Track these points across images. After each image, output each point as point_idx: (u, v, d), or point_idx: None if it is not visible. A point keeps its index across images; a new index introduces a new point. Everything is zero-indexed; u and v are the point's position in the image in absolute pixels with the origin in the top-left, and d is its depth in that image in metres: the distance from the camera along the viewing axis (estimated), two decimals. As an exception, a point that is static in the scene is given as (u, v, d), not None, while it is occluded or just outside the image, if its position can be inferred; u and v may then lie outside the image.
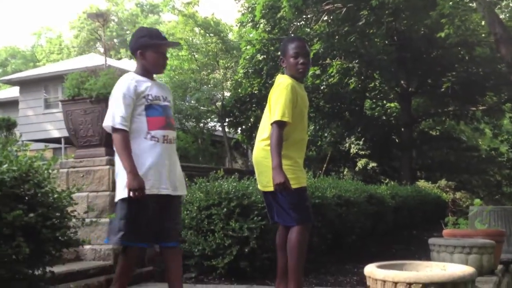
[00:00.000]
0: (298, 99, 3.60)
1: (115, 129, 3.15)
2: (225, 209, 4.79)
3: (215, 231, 4.77)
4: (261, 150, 3.64)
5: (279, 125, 3.49)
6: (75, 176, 4.97)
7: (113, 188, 4.81)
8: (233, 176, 5.37)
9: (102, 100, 4.96)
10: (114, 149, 3.23)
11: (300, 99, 3.64)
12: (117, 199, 3.24)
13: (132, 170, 3.06)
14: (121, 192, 3.17)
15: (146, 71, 3.36)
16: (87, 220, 3.22)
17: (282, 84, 3.61)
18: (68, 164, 5.03)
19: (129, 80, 3.26)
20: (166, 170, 3.26)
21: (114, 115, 3.16)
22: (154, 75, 3.50)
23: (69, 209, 2.84)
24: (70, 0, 68.59)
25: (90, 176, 4.90)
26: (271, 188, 3.51)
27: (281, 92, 3.55)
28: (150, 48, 3.31)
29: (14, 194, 2.45)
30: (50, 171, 2.69)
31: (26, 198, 2.51)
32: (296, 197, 3.55)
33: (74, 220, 2.80)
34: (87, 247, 4.68)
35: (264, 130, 3.64)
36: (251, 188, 5.05)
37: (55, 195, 2.71)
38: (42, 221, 2.53)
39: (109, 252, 4.65)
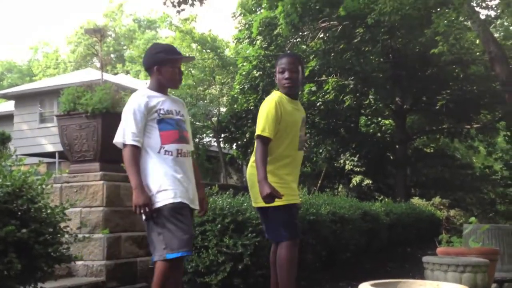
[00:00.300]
0: (282, 115, 3.63)
1: (125, 145, 3.15)
2: (219, 225, 4.77)
3: (208, 247, 4.74)
4: (250, 167, 3.73)
5: (261, 140, 3.58)
6: (68, 191, 4.95)
7: (106, 204, 4.81)
8: (227, 192, 5.36)
9: (98, 115, 4.99)
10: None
11: (287, 115, 3.66)
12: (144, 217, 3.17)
13: (138, 187, 3.05)
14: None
15: (161, 87, 3.37)
16: (80, 236, 3.21)
17: (267, 100, 3.71)
18: (62, 179, 5.02)
19: (140, 96, 3.27)
20: (187, 184, 3.26)
21: (125, 131, 3.17)
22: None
23: (62, 224, 2.83)
24: (68, 15, 68.90)
25: (84, 191, 4.89)
26: (261, 204, 3.56)
27: (264, 108, 3.65)
28: (167, 63, 3.33)
29: (7, 210, 2.45)
30: (43, 186, 2.68)
31: (19, 213, 2.50)
32: (282, 214, 3.59)
33: (66, 236, 2.79)
34: (79, 263, 4.65)
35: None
36: (245, 204, 5.05)
37: (48, 211, 2.70)
38: (35, 236, 2.52)
39: (102, 268, 4.63)
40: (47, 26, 68.63)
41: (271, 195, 3.40)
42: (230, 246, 4.68)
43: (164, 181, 3.14)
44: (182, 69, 3.53)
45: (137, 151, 3.15)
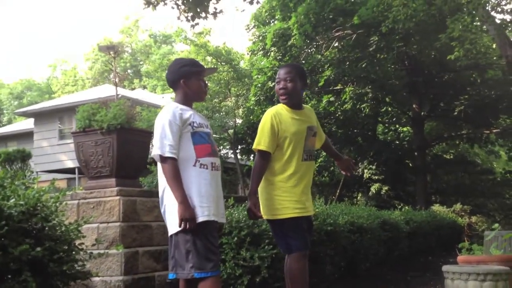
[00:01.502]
0: (280, 127, 3.62)
1: (164, 158, 3.07)
2: (235, 238, 4.75)
3: (226, 260, 4.73)
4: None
5: (259, 153, 3.63)
6: (85, 207, 4.98)
7: (123, 219, 4.82)
8: (243, 204, 5.35)
9: (113, 131, 5.03)
10: (164, 178, 3.13)
11: (287, 126, 3.64)
12: (173, 231, 3.11)
13: (184, 201, 3.00)
14: (177, 224, 3.05)
15: (188, 100, 3.35)
16: (95, 253, 3.22)
17: (265, 113, 3.74)
18: (78, 196, 5.05)
19: (174, 108, 3.22)
20: (218, 198, 3.25)
21: (162, 143, 3.09)
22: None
23: (77, 242, 2.84)
24: (85, 32, 69.95)
25: (101, 207, 4.91)
26: (267, 216, 3.66)
27: (261, 121, 3.70)
28: (192, 76, 3.32)
29: (22, 229, 2.46)
30: (57, 204, 2.70)
31: (34, 232, 2.52)
32: (287, 227, 3.58)
33: (81, 253, 2.80)
34: (97, 278, 4.66)
35: None
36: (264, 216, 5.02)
37: (63, 228, 2.71)
38: (49, 255, 2.53)
39: (120, 283, 4.63)
40: (65, 44, 69.76)
41: (250, 211, 3.54)
42: (247, 259, 4.66)
43: (200, 197, 3.10)
44: None
45: (177, 164, 3.08)
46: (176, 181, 3.04)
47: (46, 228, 2.59)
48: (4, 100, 45.47)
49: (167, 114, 3.17)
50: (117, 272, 4.70)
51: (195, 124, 3.22)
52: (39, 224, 2.55)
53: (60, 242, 2.65)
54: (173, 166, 3.06)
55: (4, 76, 69.44)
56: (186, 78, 3.31)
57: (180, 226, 3.00)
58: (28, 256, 2.39)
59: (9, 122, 40.77)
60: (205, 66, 3.60)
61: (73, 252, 2.72)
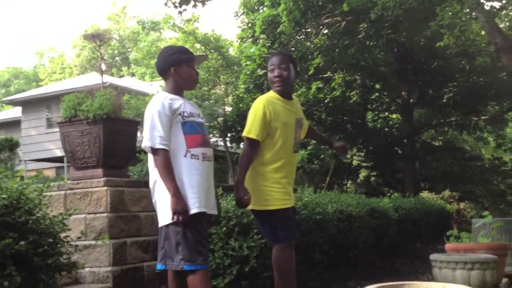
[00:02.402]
0: (272, 116, 3.57)
1: (155, 150, 3.02)
2: (224, 228, 4.74)
3: (214, 250, 4.72)
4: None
5: (249, 141, 3.56)
6: (72, 198, 4.94)
7: (110, 209, 4.79)
8: (232, 194, 5.32)
9: (99, 121, 4.97)
10: (155, 170, 3.08)
11: (277, 116, 3.59)
12: (164, 223, 3.07)
13: (176, 193, 2.96)
14: (169, 215, 3.02)
15: (179, 88, 3.28)
16: (82, 244, 3.19)
17: (256, 100, 3.68)
18: (65, 186, 5.01)
19: (163, 98, 3.15)
20: (209, 189, 3.19)
21: (152, 135, 3.03)
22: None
23: (63, 234, 2.80)
24: (72, 19, 69.15)
25: (88, 197, 4.87)
26: (253, 207, 3.62)
27: (252, 109, 3.63)
28: (183, 63, 3.25)
29: (5, 222, 2.43)
30: (41, 197, 2.66)
31: (17, 225, 2.48)
32: (276, 217, 3.56)
33: (66, 245, 2.76)
34: (86, 269, 4.64)
35: None
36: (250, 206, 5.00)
37: (47, 221, 2.67)
38: (34, 248, 2.50)
39: (108, 274, 4.61)
40: (52, 31, 68.95)
41: (240, 200, 3.49)
42: (236, 248, 4.66)
43: (191, 187, 3.06)
44: None
45: (168, 155, 3.02)
46: (168, 172, 2.99)
47: (30, 222, 2.55)
48: (-10, 88, 44.99)
49: (156, 105, 3.11)
50: (105, 263, 4.68)
51: (185, 114, 3.15)
52: (22, 218, 2.52)
53: (45, 235, 2.61)
54: (165, 158, 3.01)
55: (-10, 64, 68.64)
56: (177, 66, 3.24)
57: (172, 218, 2.96)
58: (11, 250, 2.36)
59: (-4, 110, 40.37)
60: (195, 54, 3.51)
61: (58, 245, 2.69)
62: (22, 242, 2.40)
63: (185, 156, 3.09)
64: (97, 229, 4.73)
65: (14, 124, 23.04)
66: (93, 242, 4.20)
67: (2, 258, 2.34)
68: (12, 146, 14.18)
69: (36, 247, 2.51)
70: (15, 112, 24.62)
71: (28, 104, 21.70)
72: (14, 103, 23.73)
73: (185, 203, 2.98)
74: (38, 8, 69.71)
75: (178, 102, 3.18)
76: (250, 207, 3.61)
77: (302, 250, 5.32)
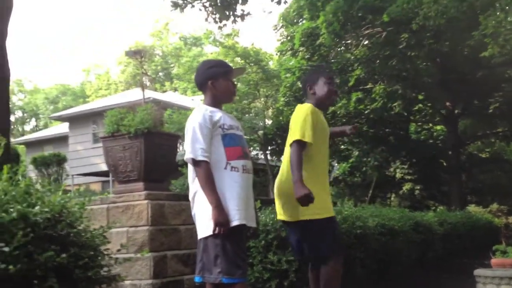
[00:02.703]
0: (318, 124, 3.62)
1: (196, 162, 3.04)
2: (263, 242, 4.73)
3: (253, 264, 4.71)
4: (280, 177, 3.75)
5: (300, 144, 3.50)
6: (115, 211, 5.03)
7: (151, 223, 4.85)
8: (270, 207, 5.31)
9: (140, 135, 5.07)
10: (196, 181, 3.10)
11: (321, 124, 3.67)
12: (203, 235, 3.07)
13: (218, 205, 2.97)
14: (207, 227, 3.03)
15: (217, 102, 3.30)
16: (123, 257, 3.25)
17: (302, 107, 3.69)
18: (108, 200, 5.11)
19: (203, 110, 3.17)
20: (249, 201, 3.19)
21: (194, 147, 3.05)
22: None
23: (103, 247, 2.85)
24: (118, 37, 71.06)
25: (130, 211, 4.95)
26: (298, 218, 3.55)
27: (301, 114, 3.61)
28: (221, 76, 3.27)
29: (47, 235, 2.48)
30: (82, 210, 2.72)
31: (59, 238, 2.54)
32: (327, 226, 3.52)
33: (107, 258, 2.81)
34: (127, 282, 4.70)
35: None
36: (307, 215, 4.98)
37: (88, 234, 2.73)
38: (74, 261, 2.54)
39: (149, 287, 4.66)
40: (98, 49, 71.00)
41: (308, 197, 3.31)
42: (275, 262, 4.63)
43: (231, 200, 3.06)
44: None
45: (210, 167, 3.04)
46: (210, 185, 3.00)
47: (71, 234, 2.60)
48: (40, 105, 46.60)
49: (197, 117, 3.13)
50: (146, 275, 4.73)
51: (225, 126, 3.17)
52: (64, 231, 2.57)
53: (86, 248, 2.66)
54: (206, 170, 3.02)
55: (39, 81, 71.12)
56: (214, 79, 3.26)
57: (214, 230, 2.97)
58: (53, 262, 2.41)
59: (45, 126, 41.76)
60: (233, 67, 3.54)
61: (99, 258, 2.74)
62: (64, 255, 2.44)
63: (225, 168, 3.10)
64: (138, 242, 4.80)
65: (62, 139, 23.76)
66: (133, 255, 4.26)
67: (44, 271, 2.39)
68: (59, 161, 14.62)
69: (77, 260, 2.56)
70: (63, 128, 25.39)
71: (75, 120, 22.36)
72: (61, 119, 24.48)
73: (227, 215, 2.98)
74: (85, 27, 72.05)
75: (218, 114, 3.19)
76: (307, 216, 3.51)
77: (343, 264, 5.25)
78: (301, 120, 3.56)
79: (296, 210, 3.55)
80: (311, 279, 3.76)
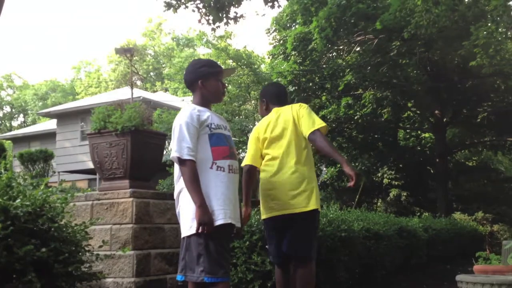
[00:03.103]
0: None
1: (182, 160, 3.03)
2: (247, 242, 4.73)
3: (237, 264, 4.71)
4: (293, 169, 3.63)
5: (321, 131, 3.57)
6: (99, 208, 5.00)
7: (136, 221, 4.83)
8: (255, 209, 5.31)
9: (127, 133, 5.04)
10: (181, 180, 3.09)
11: None
12: (186, 234, 3.05)
13: (203, 204, 2.95)
14: (191, 226, 3.02)
15: (206, 101, 3.31)
16: (104, 254, 3.23)
17: (298, 104, 3.82)
18: (92, 197, 5.08)
19: (191, 109, 3.17)
20: (235, 200, 3.17)
21: (180, 146, 3.04)
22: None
23: (84, 243, 2.84)
24: (109, 35, 70.77)
25: (114, 208, 4.92)
26: (292, 210, 3.52)
27: (304, 107, 3.75)
28: (211, 76, 3.28)
29: (28, 229, 2.47)
30: (64, 205, 2.70)
31: (40, 232, 2.52)
32: (316, 220, 3.55)
33: (88, 254, 2.79)
34: (110, 280, 4.67)
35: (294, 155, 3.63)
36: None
37: (69, 230, 2.71)
38: (54, 255, 2.53)
39: (131, 285, 4.63)
40: (89, 46, 70.70)
41: (357, 175, 3.38)
42: (259, 263, 4.63)
43: (216, 200, 3.05)
44: None
45: (195, 166, 3.03)
46: (195, 184, 2.99)
47: (52, 229, 2.59)
48: (29, 101, 46.24)
49: (184, 116, 3.12)
50: (129, 273, 4.70)
51: (212, 126, 3.17)
52: (45, 225, 2.56)
53: (66, 243, 2.65)
54: (192, 169, 3.01)
55: (29, 77, 70.68)
56: (204, 79, 3.26)
57: (198, 230, 2.95)
58: (33, 256, 2.40)
59: (34, 122, 41.48)
60: (224, 68, 3.54)
61: (79, 254, 2.72)
62: (44, 249, 2.43)
63: (211, 167, 3.09)
64: (122, 240, 4.77)
65: (49, 136, 23.59)
66: (116, 253, 4.23)
67: (23, 264, 2.38)
68: (46, 157, 14.51)
69: (57, 255, 2.55)
70: (51, 124, 25.22)
71: (63, 117, 22.21)
72: (50, 115, 24.31)
73: (211, 215, 2.98)
74: (76, 23, 71.68)
75: (206, 114, 3.19)
76: (313, 206, 3.54)
77: (327, 266, 5.26)
78: (307, 112, 3.69)
79: (313, 198, 3.53)
80: (281, 283, 3.71)
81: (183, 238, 3.10)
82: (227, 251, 3.11)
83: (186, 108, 3.22)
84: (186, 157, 3.02)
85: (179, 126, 3.10)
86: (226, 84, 3.49)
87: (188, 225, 3.05)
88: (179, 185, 3.15)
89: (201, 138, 3.12)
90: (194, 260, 2.99)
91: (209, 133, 3.14)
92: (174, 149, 3.07)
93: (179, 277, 3.11)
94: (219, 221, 3.02)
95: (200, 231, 2.95)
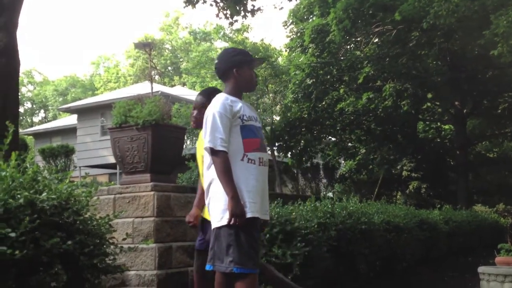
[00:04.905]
0: None
1: (215, 151, 3.00)
2: (268, 235, 4.75)
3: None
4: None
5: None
6: (121, 202, 5.06)
7: (157, 214, 4.88)
8: (276, 202, 5.33)
9: (148, 127, 5.09)
10: (212, 170, 3.07)
11: None
12: (217, 225, 3.03)
13: (235, 196, 2.93)
14: (222, 217, 3.01)
15: (238, 91, 3.26)
16: (128, 247, 3.27)
17: None
18: (115, 190, 5.14)
19: (223, 99, 3.13)
20: (264, 194, 3.16)
21: (214, 136, 3.02)
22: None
23: (108, 236, 2.88)
24: (127, 30, 71.20)
25: (136, 201, 4.98)
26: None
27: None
28: (245, 65, 3.24)
29: (54, 222, 2.51)
30: (88, 199, 2.75)
31: (65, 225, 2.57)
32: None
33: (112, 247, 2.84)
34: (132, 272, 4.73)
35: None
36: (294, 213, 5.00)
37: (94, 223, 2.76)
38: (80, 248, 2.57)
39: (153, 278, 4.69)
40: (108, 41, 71.20)
41: None
42: (279, 256, 4.65)
43: (247, 192, 3.02)
44: None
45: (228, 157, 3.00)
46: (228, 175, 2.97)
47: (78, 222, 2.64)
48: (49, 97, 46.77)
49: (218, 106, 3.09)
50: (151, 266, 4.76)
51: (245, 117, 3.12)
52: (70, 218, 2.60)
53: (91, 236, 2.69)
54: (225, 160, 2.99)
55: (49, 73, 71.51)
56: (239, 67, 3.22)
57: (230, 221, 2.94)
58: (59, 249, 2.44)
59: (54, 118, 41.94)
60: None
61: (104, 246, 2.77)
62: (69, 242, 2.48)
63: (242, 160, 3.07)
64: (144, 233, 4.83)
65: (70, 131, 23.85)
66: (139, 246, 4.29)
67: (49, 257, 2.43)
68: (67, 152, 14.71)
69: (83, 247, 2.59)
70: (71, 119, 25.49)
71: (83, 112, 22.44)
72: (70, 111, 24.57)
73: (243, 207, 2.96)
74: (95, 19, 72.22)
75: (238, 104, 3.15)
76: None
77: (347, 259, 5.27)
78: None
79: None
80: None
81: (213, 228, 3.08)
82: (257, 242, 3.08)
83: (219, 98, 3.18)
84: (219, 148, 3.00)
85: (212, 116, 3.07)
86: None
87: (219, 216, 3.03)
88: (209, 175, 3.13)
89: (233, 129, 3.09)
90: (224, 251, 2.97)
91: (241, 124, 3.11)
92: (207, 139, 3.05)
93: (208, 266, 3.10)
94: (250, 213, 3.00)
95: (232, 223, 2.93)
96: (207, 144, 3.04)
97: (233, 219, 2.92)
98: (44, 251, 2.42)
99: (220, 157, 3.00)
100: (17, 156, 2.63)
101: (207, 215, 3.42)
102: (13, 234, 2.27)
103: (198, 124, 3.70)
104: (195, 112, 3.82)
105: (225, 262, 2.96)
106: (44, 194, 2.49)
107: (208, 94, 3.75)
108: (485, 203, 16.76)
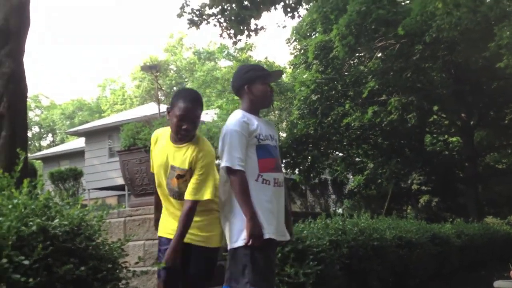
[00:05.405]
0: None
1: (233, 171, 2.96)
2: (279, 254, 4.71)
3: (270, 277, 4.69)
4: None
5: None
6: (131, 224, 5.06)
7: (168, 236, 4.86)
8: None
9: (156, 149, 5.10)
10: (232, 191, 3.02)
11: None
12: (233, 246, 3.01)
13: (254, 217, 2.91)
14: (239, 238, 2.98)
15: (254, 107, 3.21)
16: (140, 270, 3.25)
17: None
18: (125, 213, 5.14)
19: (240, 117, 3.09)
20: (279, 215, 3.11)
21: (231, 155, 2.98)
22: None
23: (121, 260, 2.87)
24: (132, 52, 71.81)
25: (146, 224, 4.97)
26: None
27: None
28: (257, 80, 3.19)
29: (66, 248, 2.50)
30: (100, 223, 2.74)
31: (78, 251, 2.56)
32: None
33: (124, 271, 2.83)
34: (144, 295, 4.72)
35: None
36: (305, 232, 4.97)
37: (106, 247, 2.75)
38: (93, 273, 2.55)
39: (166, 300, 4.66)
40: (113, 64, 71.78)
41: None
42: (292, 275, 4.61)
43: (262, 213, 2.98)
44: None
45: (246, 177, 2.97)
46: (246, 195, 2.95)
47: (90, 247, 2.62)
48: (56, 120, 47.09)
49: (234, 125, 3.06)
50: (163, 289, 4.73)
51: (261, 137, 3.09)
52: (83, 243, 2.59)
53: (104, 261, 2.67)
54: (243, 180, 2.96)
55: (56, 97, 72.03)
56: (250, 84, 3.18)
57: (248, 242, 2.92)
58: (72, 275, 2.43)
59: (62, 141, 42.18)
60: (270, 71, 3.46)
61: (117, 271, 2.75)
62: (83, 268, 2.46)
63: (256, 180, 3.04)
64: (155, 255, 4.80)
65: (78, 154, 23.96)
66: (151, 268, 4.27)
67: (63, 283, 2.41)
68: (76, 175, 14.74)
69: (96, 273, 2.57)
70: (79, 142, 25.63)
71: (91, 135, 22.56)
72: (78, 134, 24.72)
73: (261, 228, 2.92)
74: (99, 43, 72.90)
75: (255, 123, 3.11)
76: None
77: (359, 276, 5.22)
78: None
79: None
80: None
81: (229, 249, 3.06)
82: (273, 264, 3.07)
83: (235, 115, 3.15)
84: (237, 167, 2.97)
85: (230, 134, 3.04)
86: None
87: (235, 237, 3.01)
88: (223, 193, 3.11)
89: (249, 148, 3.06)
90: (240, 271, 2.96)
91: (257, 144, 3.08)
92: (225, 158, 3.02)
93: (224, 287, 3.10)
94: (267, 234, 2.96)
95: (250, 244, 2.90)
96: (224, 163, 3.01)
97: (251, 240, 2.90)
98: (57, 277, 2.40)
99: (237, 176, 2.97)
100: (28, 183, 2.64)
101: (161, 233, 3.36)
102: (26, 262, 2.26)
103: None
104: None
105: (241, 283, 2.95)
106: (56, 220, 2.49)
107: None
108: (496, 215, 16.64)
